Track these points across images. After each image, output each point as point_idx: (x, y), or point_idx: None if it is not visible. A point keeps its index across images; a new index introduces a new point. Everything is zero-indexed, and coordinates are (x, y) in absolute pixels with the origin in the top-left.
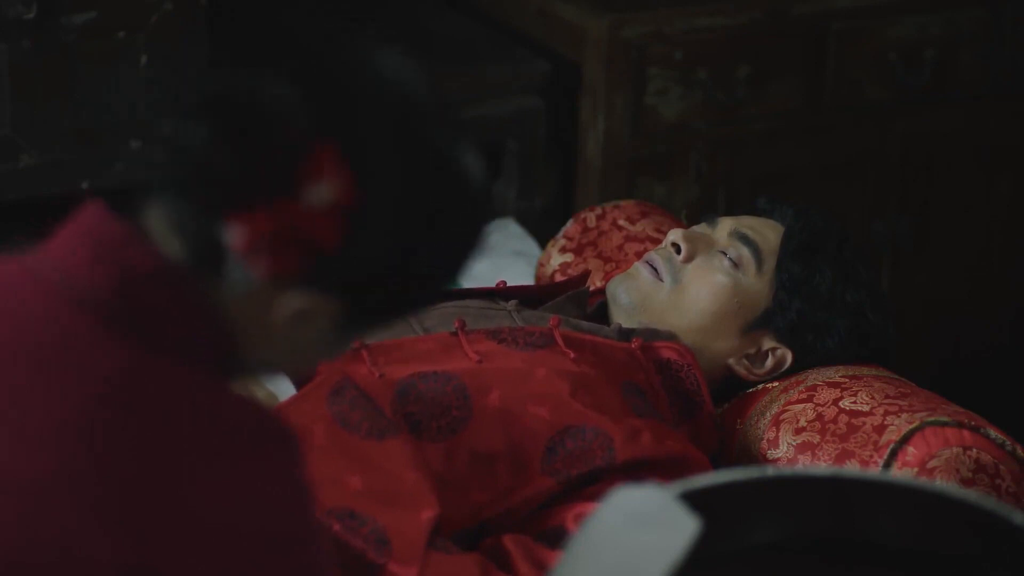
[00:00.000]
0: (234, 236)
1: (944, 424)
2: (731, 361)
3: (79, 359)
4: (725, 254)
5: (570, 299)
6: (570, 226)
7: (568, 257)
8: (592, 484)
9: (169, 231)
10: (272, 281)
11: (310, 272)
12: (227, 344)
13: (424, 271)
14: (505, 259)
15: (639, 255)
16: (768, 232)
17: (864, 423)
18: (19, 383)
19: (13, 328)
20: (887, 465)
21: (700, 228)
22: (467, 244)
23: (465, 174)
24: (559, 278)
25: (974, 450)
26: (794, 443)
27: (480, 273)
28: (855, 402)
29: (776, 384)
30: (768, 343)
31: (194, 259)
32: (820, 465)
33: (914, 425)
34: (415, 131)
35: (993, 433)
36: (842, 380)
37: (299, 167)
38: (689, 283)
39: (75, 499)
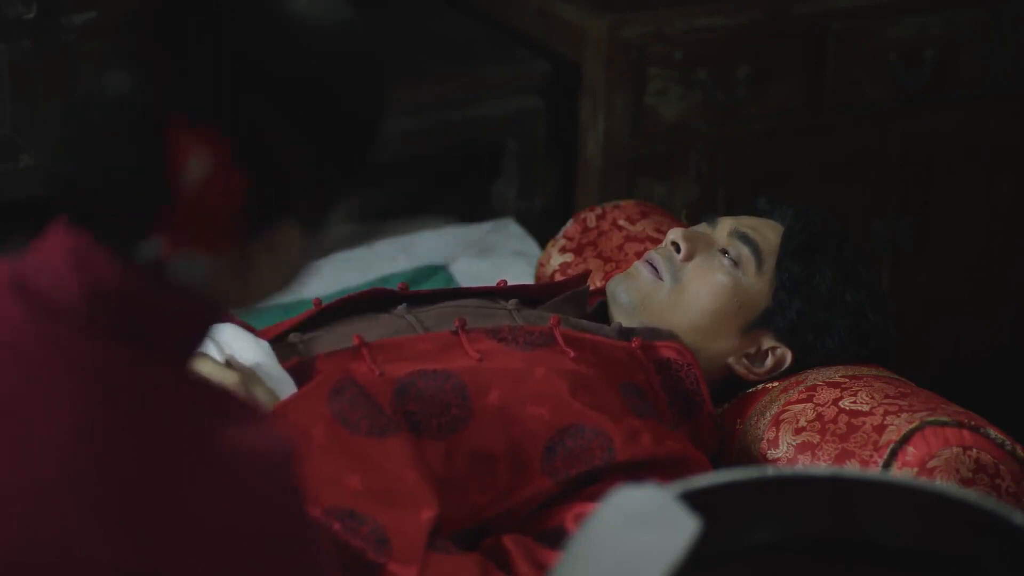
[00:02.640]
0: (155, 250)
1: (944, 424)
2: (731, 360)
3: (78, 361)
4: (725, 253)
5: (569, 299)
6: (570, 226)
7: (568, 257)
8: (592, 484)
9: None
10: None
11: (253, 220)
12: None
13: (355, 144)
14: (505, 259)
15: (639, 255)
16: (768, 232)
17: (864, 423)
18: (18, 385)
19: (12, 330)
20: (887, 465)
21: (700, 228)
22: (376, 92)
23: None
24: (559, 278)
25: (974, 450)
26: (794, 443)
27: (480, 273)
28: (855, 402)
29: (776, 384)
30: (768, 343)
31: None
32: (820, 465)
33: (914, 425)
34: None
35: (993, 433)
36: (842, 380)
37: (164, 167)
38: (689, 282)
39: (75, 499)
